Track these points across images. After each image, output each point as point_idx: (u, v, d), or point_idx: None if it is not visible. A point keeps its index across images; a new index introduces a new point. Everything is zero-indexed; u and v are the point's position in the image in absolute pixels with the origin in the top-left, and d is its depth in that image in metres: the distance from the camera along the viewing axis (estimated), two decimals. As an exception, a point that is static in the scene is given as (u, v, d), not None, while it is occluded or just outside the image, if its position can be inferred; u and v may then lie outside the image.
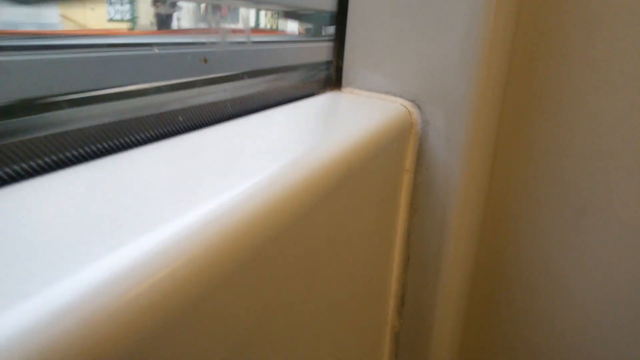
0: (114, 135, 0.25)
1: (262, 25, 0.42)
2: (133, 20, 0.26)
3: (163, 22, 0.28)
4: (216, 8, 0.32)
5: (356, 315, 0.37)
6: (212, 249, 0.17)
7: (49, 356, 0.11)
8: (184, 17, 0.30)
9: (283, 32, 0.45)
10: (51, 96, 0.22)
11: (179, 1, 0.30)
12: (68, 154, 0.22)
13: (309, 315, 0.27)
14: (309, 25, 0.47)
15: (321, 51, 0.46)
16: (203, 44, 0.32)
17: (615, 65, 0.42)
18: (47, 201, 0.17)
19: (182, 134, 0.27)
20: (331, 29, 0.47)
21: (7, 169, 0.20)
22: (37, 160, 0.21)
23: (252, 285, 0.20)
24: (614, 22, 0.41)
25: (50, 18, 0.23)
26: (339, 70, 0.46)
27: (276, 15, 0.43)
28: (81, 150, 0.23)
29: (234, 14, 0.36)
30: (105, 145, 0.24)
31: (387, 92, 0.44)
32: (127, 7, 0.26)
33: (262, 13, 0.42)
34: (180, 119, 0.28)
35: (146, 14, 0.27)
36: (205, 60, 0.32)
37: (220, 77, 0.34)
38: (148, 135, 0.27)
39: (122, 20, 0.26)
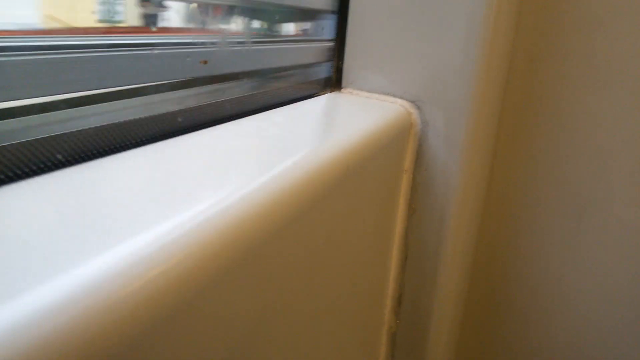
0: (112, 135, 0.25)
1: (261, 25, 0.42)
2: (122, 20, 0.26)
3: (153, 22, 0.28)
4: (209, 8, 0.32)
5: (353, 315, 0.37)
6: (207, 248, 0.17)
7: (42, 352, 0.11)
8: (174, 18, 0.30)
9: (284, 34, 0.45)
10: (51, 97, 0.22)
11: (170, 0, 0.30)
12: (61, 156, 0.23)
13: (306, 314, 0.27)
14: (310, 26, 0.47)
15: (321, 52, 0.46)
16: (203, 44, 0.32)
17: (615, 65, 0.42)
18: (41, 201, 0.18)
19: (181, 134, 0.27)
20: (331, 30, 0.47)
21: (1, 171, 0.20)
22: (32, 161, 0.21)
23: (249, 284, 0.20)
24: (614, 23, 0.41)
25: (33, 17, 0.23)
26: (339, 71, 0.46)
27: (276, 15, 0.43)
28: (78, 151, 0.23)
29: (229, 14, 0.36)
30: (103, 146, 0.25)
31: (387, 93, 0.44)
32: (117, 7, 0.26)
33: (261, 13, 0.42)
34: (179, 119, 0.29)
35: (133, 14, 0.27)
36: (205, 62, 0.32)
37: (220, 77, 0.34)
38: (147, 135, 0.27)
39: (111, 21, 0.26)
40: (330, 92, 0.46)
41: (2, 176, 0.20)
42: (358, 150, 0.30)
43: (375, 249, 0.40)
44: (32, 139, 0.21)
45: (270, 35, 0.42)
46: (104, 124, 0.24)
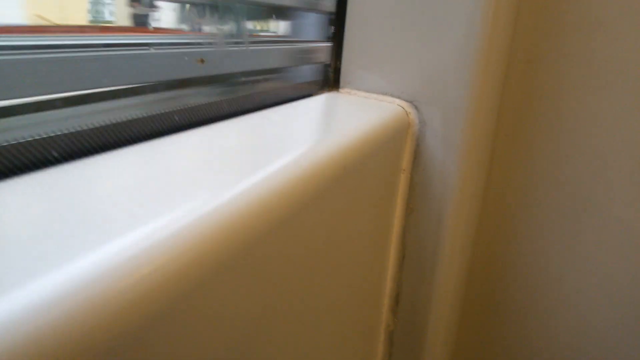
0: (108, 134, 0.25)
1: (259, 25, 0.42)
2: (112, 21, 0.27)
3: (143, 22, 0.29)
4: (205, 8, 0.32)
5: (350, 314, 0.37)
6: (201, 245, 0.17)
7: (34, 347, 0.11)
8: (167, 18, 0.30)
9: (282, 34, 0.45)
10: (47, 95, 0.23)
11: (161, 0, 0.30)
12: (57, 153, 0.23)
13: (303, 313, 0.27)
14: (307, 26, 0.47)
15: (319, 52, 0.46)
16: (200, 44, 0.32)
17: (614, 66, 0.42)
18: (36, 197, 0.18)
19: (178, 132, 0.27)
20: (329, 30, 0.47)
21: None
22: (27, 159, 0.21)
23: (245, 283, 0.20)
24: (613, 24, 0.41)
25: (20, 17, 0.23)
26: (336, 71, 0.46)
27: (273, 15, 0.43)
28: (74, 148, 0.23)
29: (225, 14, 0.36)
30: (100, 144, 0.25)
31: (385, 93, 0.44)
32: (107, 7, 0.26)
33: (260, 14, 0.42)
34: (176, 118, 0.29)
35: (123, 14, 0.27)
36: (202, 61, 0.32)
37: (217, 77, 0.34)
38: (143, 134, 0.27)
39: (101, 21, 0.26)
40: (328, 92, 0.46)
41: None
42: (355, 149, 0.31)
43: (373, 248, 0.40)
44: (28, 139, 0.21)
45: (267, 36, 0.42)
46: (102, 124, 0.24)
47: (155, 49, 0.28)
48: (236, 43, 0.36)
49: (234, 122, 0.31)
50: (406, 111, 0.42)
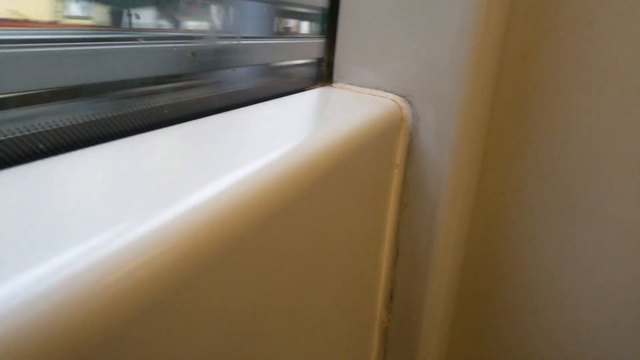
0: (96, 128, 0.25)
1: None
2: (90, 16, 0.26)
3: (120, 19, 0.28)
4: (186, 4, 0.32)
5: (344, 310, 0.37)
6: (191, 239, 0.17)
7: (18, 343, 0.11)
8: (145, 14, 0.29)
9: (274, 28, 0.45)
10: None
11: None
12: (46, 145, 0.22)
13: (296, 309, 0.27)
14: (300, 21, 0.47)
15: (312, 47, 0.46)
16: (190, 37, 0.32)
17: (607, 63, 0.42)
18: (22, 189, 0.17)
19: (167, 126, 0.27)
20: (323, 25, 0.47)
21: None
22: (15, 151, 0.21)
23: (236, 278, 0.20)
24: (607, 20, 0.42)
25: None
26: (330, 65, 0.46)
27: (264, 9, 0.43)
28: (67, 139, 0.23)
29: (218, 9, 0.36)
30: (88, 137, 0.24)
31: (378, 88, 0.44)
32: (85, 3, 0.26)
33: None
34: (166, 112, 0.28)
35: (101, 10, 0.27)
36: (193, 54, 0.32)
37: (208, 71, 0.34)
38: (133, 127, 0.27)
39: (79, 17, 0.26)
40: (321, 86, 0.46)
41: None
42: (348, 143, 0.30)
43: (367, 244, 0.40)
44: (14, 135, 0.20)
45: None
46: (92, 118, 0.24)
47: (144, 43, 0.27)
48: (228, 38, 0.35)
49: (226, 116, 0.31)
50: (399, 106, 0.42)
